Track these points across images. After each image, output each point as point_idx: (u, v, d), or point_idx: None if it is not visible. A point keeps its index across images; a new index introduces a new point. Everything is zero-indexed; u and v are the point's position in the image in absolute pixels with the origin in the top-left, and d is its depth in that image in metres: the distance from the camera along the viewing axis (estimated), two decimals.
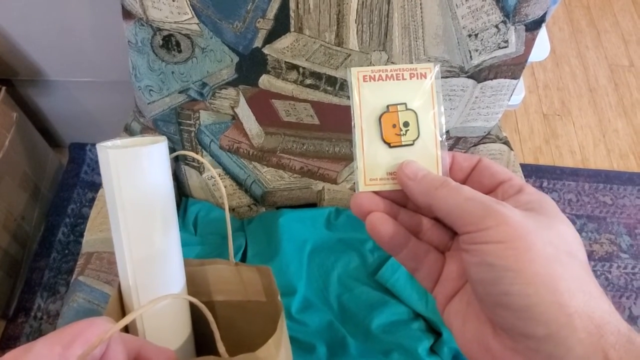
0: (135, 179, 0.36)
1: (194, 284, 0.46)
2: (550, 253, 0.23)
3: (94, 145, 1.38)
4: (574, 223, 1.33)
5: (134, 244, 0.37)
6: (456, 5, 0.62)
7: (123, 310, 0.40)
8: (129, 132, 0.78)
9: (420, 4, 0.61)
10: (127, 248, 0.37)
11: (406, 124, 0.30)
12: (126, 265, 0.38)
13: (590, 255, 1.28)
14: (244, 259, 0.75)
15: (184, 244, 0.72)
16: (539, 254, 0.23)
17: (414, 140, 0.30)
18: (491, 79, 0.71)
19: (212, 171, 0.45)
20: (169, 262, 0.40)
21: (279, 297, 0.44)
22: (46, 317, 1.09)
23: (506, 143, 0.82)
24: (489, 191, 0.28)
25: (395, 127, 0.30)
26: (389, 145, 0.30)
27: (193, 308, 0.43)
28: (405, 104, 0.30)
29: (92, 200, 1.24)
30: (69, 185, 1.25)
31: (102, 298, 0.63)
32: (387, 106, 0.30)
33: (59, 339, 0.26)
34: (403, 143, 0.30)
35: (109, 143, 0.38)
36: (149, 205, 0.37)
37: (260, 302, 0.48)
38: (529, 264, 0.22)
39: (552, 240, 0.23)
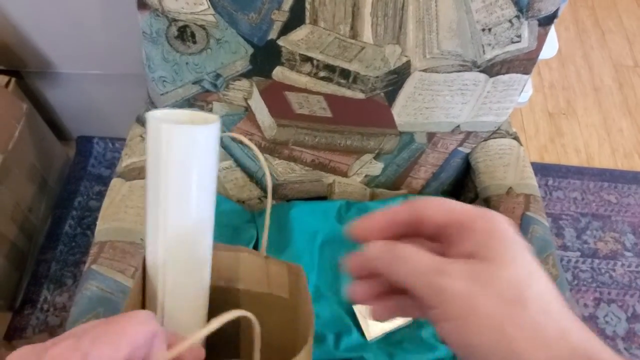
0: (186, 157, 0.36)
1: (218, 269, 0.46)
2: (497, 316, 0.23)
3: (101, 138, 1.39)
4: (578, 221, 1.33)
5: (170, 220, 0.37)
6: None
7: (144, 291, 0.40)
8: (141, 123, 0.78)
9: None
10: (162, 224, 0.36)
11: None
12: (158, 241, 0.37)
13: (595, 254, 1.29)
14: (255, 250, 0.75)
15: None
16: (488, 323, 0.23)
17: None
18: (503, 74, 0.71)
19: (261, 158, 0.44)
20: (201, 243, 0.40)
21: (311, 306, 0.42)
22: (52, 310, 1.09)
23: (516, 138, 0.83)
24: (435, 238, 0.27)
25: None
26: None
27: (212, 295, 0.43)
28: None
29: (99, 193, 1.24)
30: (76, 178, 1.25)
31: (116, 287, 0.63)
32: None
33: (108, 338, 0.25)
34: None
35: (158, 113, 0.36)
36: (192, 184, 0.37)
37: (282, 297, 0.48)
38: (479, 336, 0.23)
39: (500, 293, 0.23)
